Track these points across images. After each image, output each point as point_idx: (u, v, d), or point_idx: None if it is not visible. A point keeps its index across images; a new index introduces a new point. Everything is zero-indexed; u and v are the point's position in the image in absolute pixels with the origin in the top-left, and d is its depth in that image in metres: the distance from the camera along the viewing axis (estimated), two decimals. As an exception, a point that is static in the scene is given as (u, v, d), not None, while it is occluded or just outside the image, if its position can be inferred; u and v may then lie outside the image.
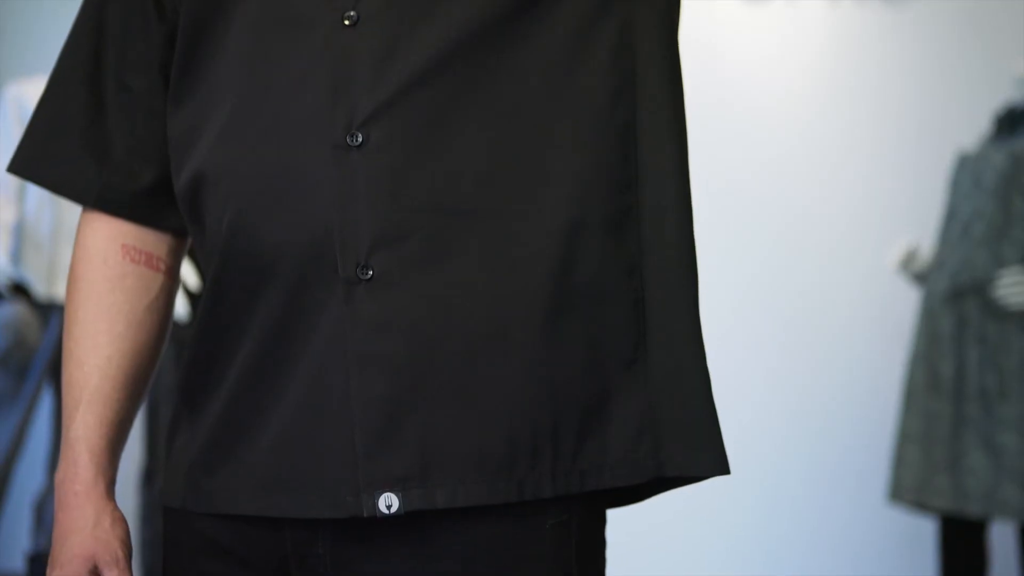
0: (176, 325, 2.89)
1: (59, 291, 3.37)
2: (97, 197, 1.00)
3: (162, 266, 1.02)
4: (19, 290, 3.42)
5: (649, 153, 0.91)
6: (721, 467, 0.90)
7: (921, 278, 2.97)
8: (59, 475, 0.96)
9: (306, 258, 0.86)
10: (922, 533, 3.24)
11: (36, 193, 3.56)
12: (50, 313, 3.39)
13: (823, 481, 3.52)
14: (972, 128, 3.01)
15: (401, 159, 0.85)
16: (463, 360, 0.85)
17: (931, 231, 3.09)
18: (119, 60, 1.00)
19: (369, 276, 0.85)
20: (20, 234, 3.50)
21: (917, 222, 3.25)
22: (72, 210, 3.50)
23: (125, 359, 0.98)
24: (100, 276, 0.99)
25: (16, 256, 3.47)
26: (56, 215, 3.53)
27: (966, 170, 2.85)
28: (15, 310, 3.36)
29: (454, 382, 0.85)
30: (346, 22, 0.87)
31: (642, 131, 0.91)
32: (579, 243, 0.88)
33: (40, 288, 3.48)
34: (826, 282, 3.52)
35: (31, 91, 3.60)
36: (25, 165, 1.02)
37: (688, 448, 0.90)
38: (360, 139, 0.85)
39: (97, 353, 0.97)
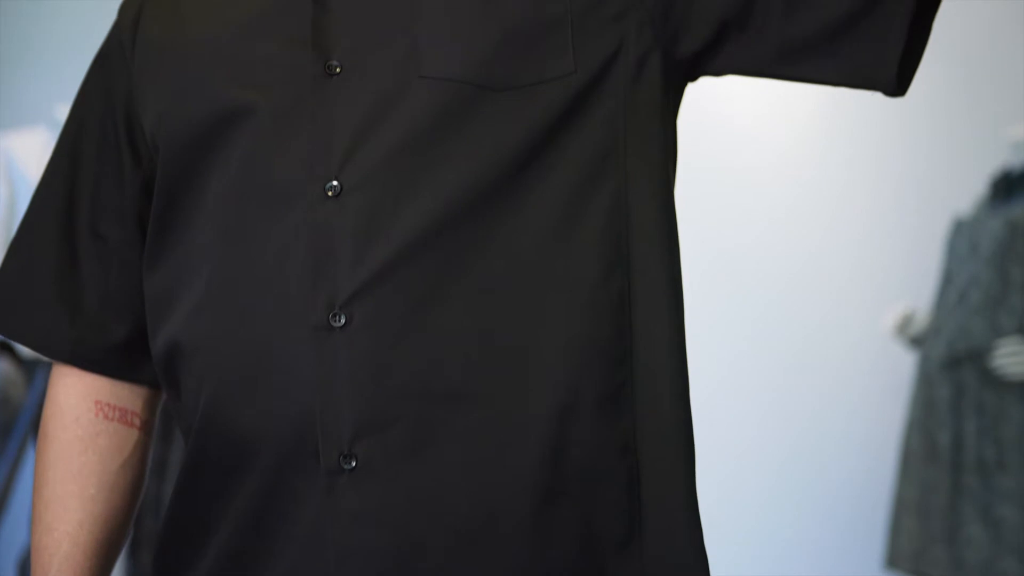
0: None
1: (45, 347, 3.32)
2: (69, 353, 0.96)
3: (137, 421, 0.98)
4: (3, 347, 3.37)
5: (643, 324, 0.87)
6: None
7: (918, 342, 2.94)
8: None
9: (285, 445, 0.83)
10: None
11: (22, 247, 3.52)
12: (35, 369, 3.34)
13: (818, 546, 3.48)
14: (968, 191, 2.99)
15: (385, 341, 0.81)
16: (450, 554, 0.81)
17: (927, 294, 3.06)
18: (93, 208, 0.97)
19: (352, 466, 0.81)
20: (6, 289, 3.45)
21: (912, 285, 3.22)
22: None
23: (97, 524, 0.94)
24: (72, 436, 0.96)
25: (1, 312, 3.42)
26: (42, 270, 3.49)
27: (962, 235, 2.83)
28: None
29: None
30: (328, 193, 0.83)
31: (636, 301, 0.87)
32: (571, 425, 0.83)
33: (25, 345, 3.43)
34: (820, 345, 3.49)
35: (20, 144, 3.57)
36: None
37: None
38: (343, 320, 0.81)
39: (67, 518, 0.94)
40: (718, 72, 0.91)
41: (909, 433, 2.84)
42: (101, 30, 3.44)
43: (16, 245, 0.99)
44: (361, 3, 0.87)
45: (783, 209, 3.49)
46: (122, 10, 1.00)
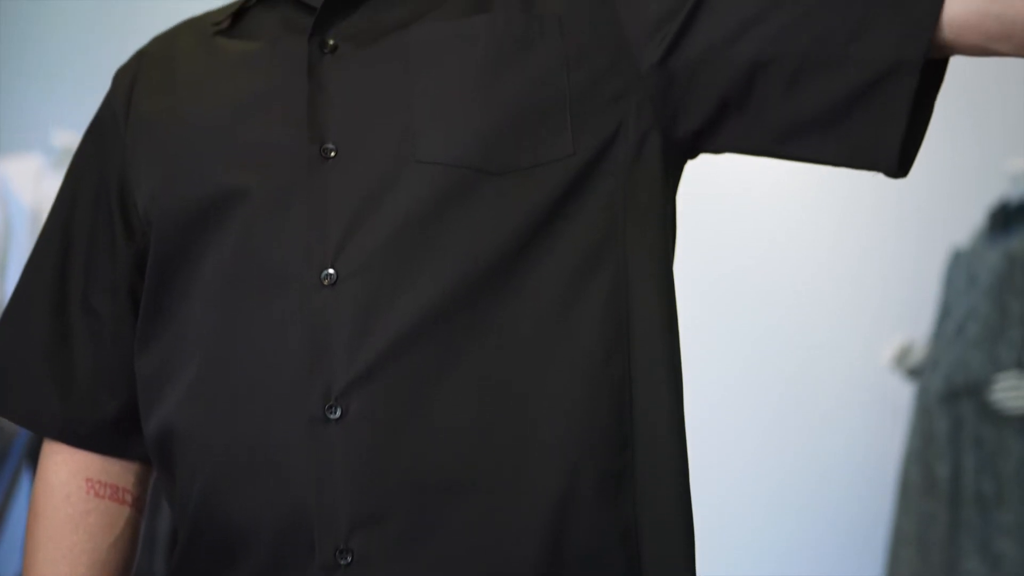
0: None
1: (39, 374, 3.30)
2: (60, 430, 0.95)
3: (128, 498, 0.97)
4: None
5: (644, 407, 0.85)
6: None
7: (916, 374, 2.93)
8: None
9: (280, 539, 0.81)
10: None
11: (15, 273, 3.50)
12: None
13: (816, 570, 3.46)
14: (966, 222, 2.97)
15: (381, 433, 0.80)
16: None
17: (924, 325, 3.05)
18: (86, 281, 0.96)
19: (348, 561, 0.80)
20: None
21: (910, 315, 3.21)
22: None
23: None
24: (62, 515, 0.94)
25: (-4, 338, 3.40)
26: (37, 296, 3.47)
27: (960, 267, 2.82)
28: (-6, 395, 3.30)
29: None
30: (324, 281, 0.81)
31: (636, 384, 0.85)
32: (571, 512, 0.82)
33: (20, 371, 3.41)
34: (817, 373, 3.47)
35: (15, 169, 3.55)
36: None
37: None
38: (339, 412, 0.80)
39: None
40: (717, 150, 0.90)
41: (907, 464, 2.82)
42: (96, 55, 3.41)
43: (7, 317, 0.97)
44: (357, 83, 0.86)
45: (782, 237, 3.48)
46: (117, 78, 0.99)
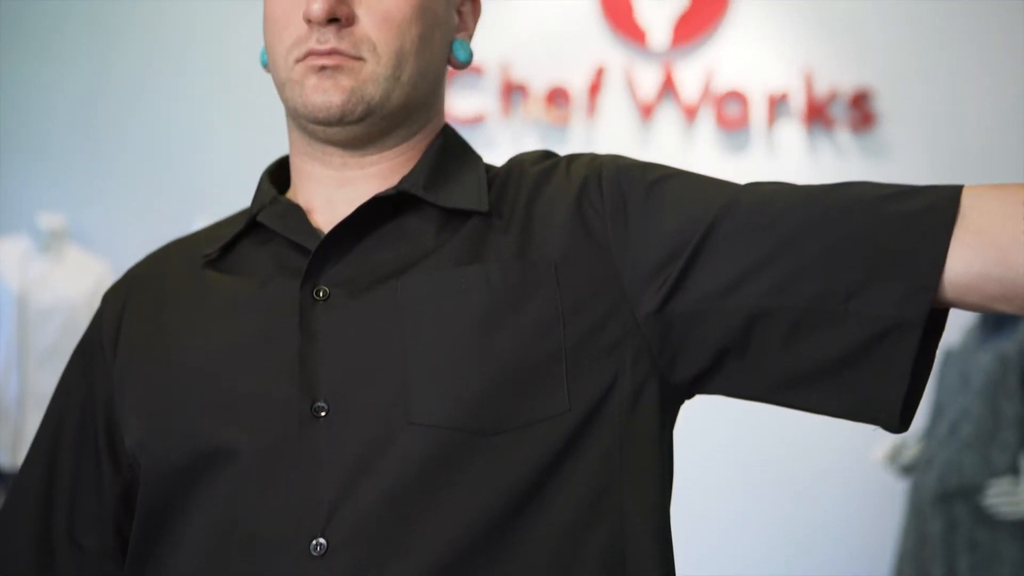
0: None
1: (24, 461, 3.27)
2: None
3: None
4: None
5: None
6: None
7: (908, 471, 2.92)
8: None
9: None
10: None
11: (2, 357, 3.47)
12: (14, 483, 3.29)
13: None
14: (957, 321, 2.97)
15: None
16: None
17: (917, 422, 3.03)
18: (71, 514, 0.94)
19: None
20: (-15, 401, 3.40)
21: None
22: (39, 375, 3.41)
23: None
24: None
25: (-19, 425, 3.37)
26: (22, 381, 3.44)
27: (952, 367, 2.81)
28: (-22, 483, 3.26)
29: None
30: (314, 552, 0.79)
31: None
32: None
33: (5, 458, 3.37)
34: (807, 468, 3.46)
35: (1, 251, 3.53)
36: None
37: None
38: None
39: None
40: (714, 393, 0.89)
41: (901, 563, 2.81)
42: (83, 139, 3.40)
43: (-7, 549, 0.95)
44: (349, 335, 0.84)
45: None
46: (106, 301, 0.97)
